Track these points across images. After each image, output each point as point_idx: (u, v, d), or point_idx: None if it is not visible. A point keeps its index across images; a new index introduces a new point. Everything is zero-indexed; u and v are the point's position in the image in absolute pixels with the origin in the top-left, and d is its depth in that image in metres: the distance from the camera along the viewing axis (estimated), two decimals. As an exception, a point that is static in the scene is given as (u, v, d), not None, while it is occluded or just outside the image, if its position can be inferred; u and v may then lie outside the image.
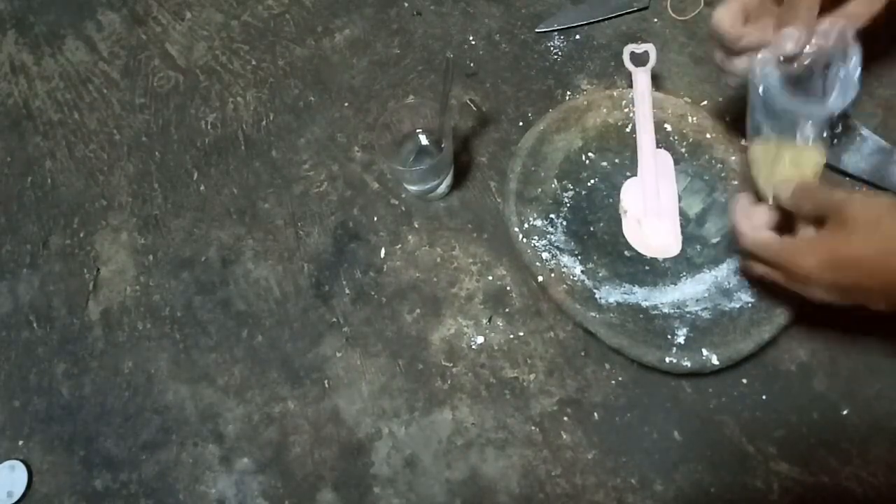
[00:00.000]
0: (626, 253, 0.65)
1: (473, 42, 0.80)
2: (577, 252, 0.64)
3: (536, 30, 0.79)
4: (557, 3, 0.81)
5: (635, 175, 0.67)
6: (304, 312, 0.68)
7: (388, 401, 0.64)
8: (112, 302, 0.72)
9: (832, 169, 0.66)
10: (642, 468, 0.58)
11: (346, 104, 0.79)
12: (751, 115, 0.55)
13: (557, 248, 0.64)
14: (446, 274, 0.68)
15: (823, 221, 0.47)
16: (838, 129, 0.58)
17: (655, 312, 0.61)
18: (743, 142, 0.64)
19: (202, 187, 0.76)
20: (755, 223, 0.52)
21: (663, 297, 0.62)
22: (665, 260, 0.64)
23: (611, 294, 0.62)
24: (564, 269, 0.63)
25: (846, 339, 0.60)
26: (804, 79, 0.53)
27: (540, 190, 0.67)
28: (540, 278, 0.62)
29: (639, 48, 0.69)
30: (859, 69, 0.51)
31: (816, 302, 0.49)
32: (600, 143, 0.69)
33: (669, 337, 0.59)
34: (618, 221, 0.66)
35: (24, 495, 0.65)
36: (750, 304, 0.60)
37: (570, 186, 0.68)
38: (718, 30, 0.54)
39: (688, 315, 0.60)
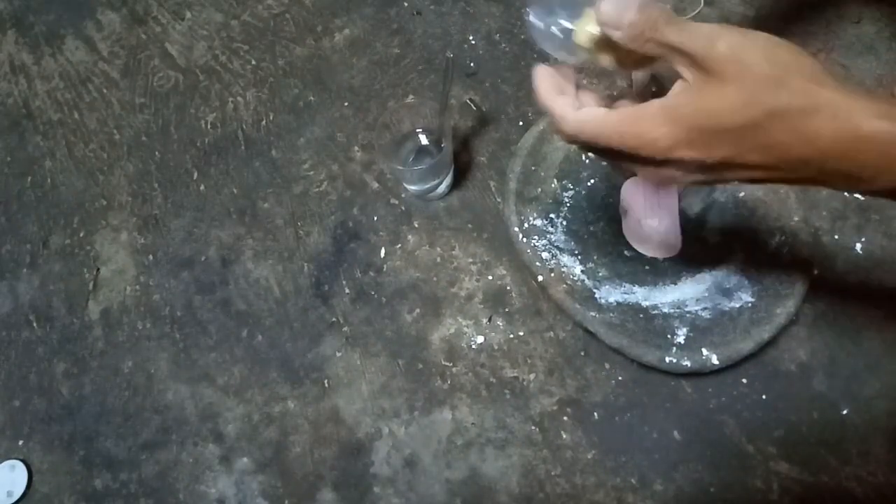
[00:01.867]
0: (626, 252, 0.65)
1: (473, 42, 0.80)
2: (577, 252, 0.64)
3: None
4: (557, 3, 0.81)
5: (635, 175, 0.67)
6: (303, 312, 0.68)
7: (388, 400, 0.64)
8: (112, 301, 0.72)
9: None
10: (642, 468, 0.58)
11: (346, 104, 0.78)
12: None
13: (557, 247, 0.64)
14: (446, 274, 0.68)
15: (677, 73, 0.36)
16: None
17: (655, 312, 0.61)
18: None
19: (202, 187, 0.76)
20: (574, 100, 0.40)
21: (663, 297, 0.62)
22: (665, 260, 0.64)
23: (611, 294, 0.62)
24: (564, 269, 0.63)
25: (846, 339, 0.60)
26: None
27: (540, 189, 0.67)
28: (540, 278, 0.62)
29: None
30: None
31: (661, 186, 0.40)
32: (600, 143, 0.69)
33: (669, 336, 0.59)
34: (618, 221, 0.66)
35: (23, 495, 0.65)
36: (750, 304, 0.60)
37: (570, 186, 0.68)
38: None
39: (688, 315, 0.60)
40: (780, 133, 0.33)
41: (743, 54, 0.33)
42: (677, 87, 0.36)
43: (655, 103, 0.36)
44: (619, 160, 0.39)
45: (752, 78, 0.33)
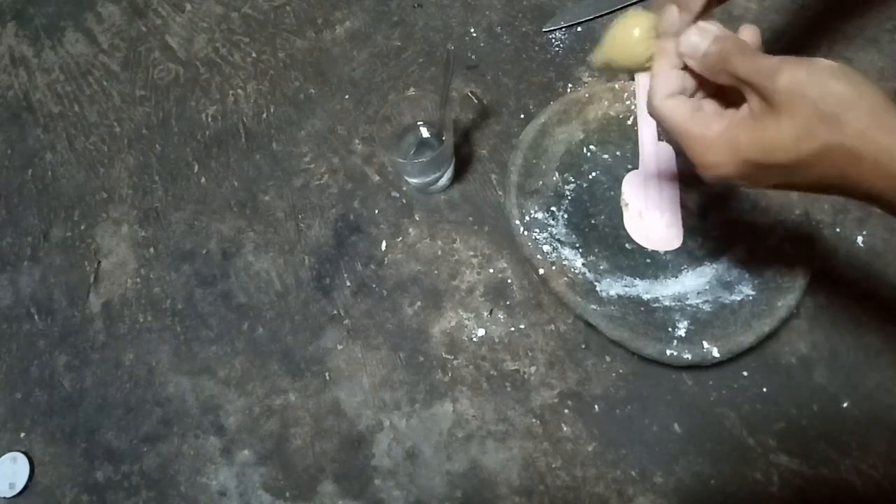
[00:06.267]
0: (627, 245, 0.65)
1: (474, 34, 0.80)
2: (578, 245, 0.64)
3: (543, 29, 0.78)
4: (559, -5, 0.81)
5: (637, 167, 0.67)
6: (304, 305, 0.68)
7: (389, 393, 0.64)
8: (113, 294, 0.72)
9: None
10: (642, 460, 0.58)
11: (347, 96, 0.78)
12: None
13: (558, 240, 0.64)
14: (447, 266, 0.68)
15: (743, 94, 0.38)
16: None
17: (656, 305, 0.61)
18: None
19: (203, 180, 0.76)
20: (665, 86, 0.42)
21: (664, 290, 0.62)
22: (666, 252, 0.64)
23: (612, 287, 0.62)
24: (565, 262, 0.63)
25: (847, 332, 0.60)
26: None
27: (541, 182, 0.67)
28: (541, 271, 0.62)
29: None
30: None
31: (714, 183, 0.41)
32: (602, 136, 0.69)
33: (670, 329, 0.59)
34: (619, 214, 0.66)
35: (25, 487, 0.65)
36: (751, 297, 0.60)
37: (572, 179, 0.68)
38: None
39: (689, 308, 0.60)
40: (828, 169, 0.35)
41: (802, 89, 0.34)
42: (744, 111, 0.38)
43: (720, 129, 0.38)
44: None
45: (807, 114, 0.34)
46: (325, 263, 0.70)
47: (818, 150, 0.34)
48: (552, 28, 0.78)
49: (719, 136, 0.38)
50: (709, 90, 0.43)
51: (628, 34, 0.54)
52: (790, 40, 0.72)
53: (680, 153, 0.42)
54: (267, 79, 0.81)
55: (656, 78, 0.43)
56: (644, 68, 0.49)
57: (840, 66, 0.35)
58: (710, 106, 0.42)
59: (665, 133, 0.44)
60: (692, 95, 0.43)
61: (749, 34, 0.41)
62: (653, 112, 0.43)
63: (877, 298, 0.61)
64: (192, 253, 0.73)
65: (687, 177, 0.66)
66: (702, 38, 0.40)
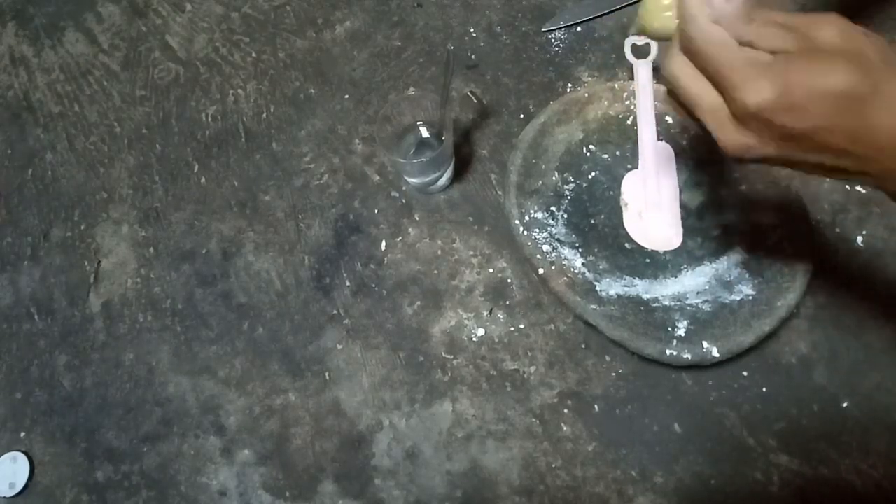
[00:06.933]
0: (626, 245, 0.65)
1: (474, 34, 0.80)
2: (577, 244, 0.64)
3: (543, 29, 0.78)
4: (559, -5, 0.81)
5: (636, 167, 0.67)
6: (304, 305, 0.68)
7: (389, 393, 0.64)
8: (113, 294, 0.72)
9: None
10: (643, 460, 0.58)
11: (347, 96, 0.78)
12: None
13: (558, 240, 0.64)
14: (447, 266, 0.68)
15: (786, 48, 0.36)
16: None
17: (656, 305, 0.61)
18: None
19: (203, 180, 0.76)
20: (716, 6, 0.38)
21: (664, 290, 0.62)
22: (666, 252, 0.64)
23: (611, 286, 0.62)
24: (565, 262, 0.63)
25: (847, 332, 0.60)
26: None
27: (541, 182, 0.67)
28: (541, 271, 0.62)
29: (640, 40, 0.69)
30: None
31: (732, 151, 0.38)
32: (601, 136, 0.69)
33: (670, 329, 0.59)
34: (619, 214, 0.66)
35: (25, 487, 0.65)
36: (751, 297, 0.60)
37: (571, 179, 0.68)
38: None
39: (688, 307, 0.60)
40: (875, 115, 0.34)
41: (849, 36, 0.34)
42: (780, 54, 0.36)
43: (767, 56, 0.36)
44: (704, 112, 0.38)
45: (853, 55, 0.34)
46: (325, 263, 0.70)
47: (859, 89, 0.33)
48: (552, 28, 0.78)
49: (767, 63, 0.35)
50: None
51: (658, 1, 0.59)
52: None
53: (698, 127, 0.38)
54: (267, 79, 0.81)
55: (693, 3, 0.38)
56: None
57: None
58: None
59: (687, 92, 0.39)
60: None
61: None
62: (692, 41, 0.38)
63: (877, 298, 0.61)
64: (192, 253, 0.73)
65: (687, 177, 0.66)
66: None
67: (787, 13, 0.37)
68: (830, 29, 0.35)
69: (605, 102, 0.69)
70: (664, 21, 0.60)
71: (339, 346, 0.66)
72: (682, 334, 0.58)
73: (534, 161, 0.67)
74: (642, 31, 0.62)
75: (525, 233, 0.63)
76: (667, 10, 0.60)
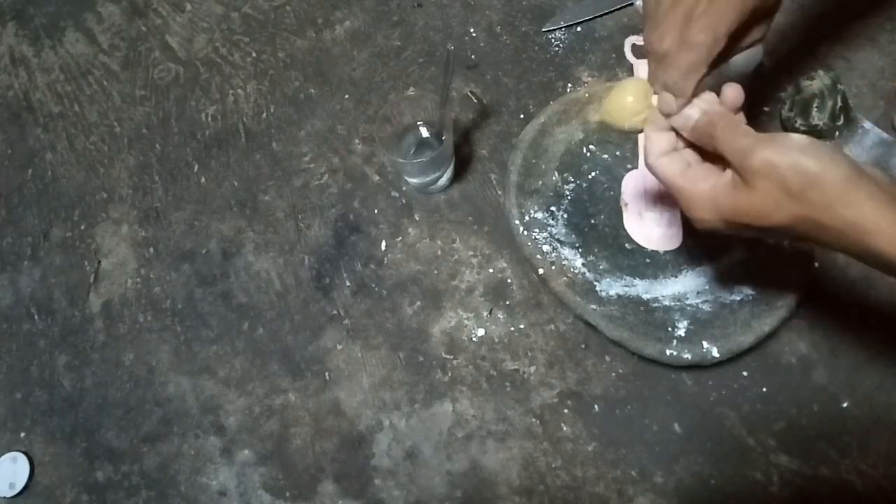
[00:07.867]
0: (626, 245, 0.65)
1: (474, 34, 0.80)
2: (577, 244, 0.64)
3: (543, 29, 0.78)
4: (559, -5, 0.81)
5: (636, 167, 0.67)
6: (304, 305, 0.68)
7: (389, 393, 0.64)
8: (113, 294, 0.72)
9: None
10: (642, 460, 0.58)
11: (347, 96, 0.78)
12: None
13: (558, 240, 0.64)
14: (447, 266, 0.68)
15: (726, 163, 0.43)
16: (840, 122, 0.60)
17: (656, 305, 0.61)
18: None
19: (203, 179, 0.76)
20: (657, 146, 0.46)
21: (664, 290, 0.62)
22: (666, 252, 0.64)
23: (611, 286, 0.62)
24: (565, 262, 0.63)
25: (847, 332, 0.60)
26: None
27: (541, 182, 0.67)
28: (541, 271, 0.62)
29: (640, 40, 0.69)
30: None
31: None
32: (601, 136, 0.69)
33: (670, 329, 0.59)
34: (619, 214, 0.66)
35: (25, 487, 0.65)
36: (750, 297, 0.60)
37: (571, 179, 0.68)
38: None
39: (688, 307, 0.60)
40: (801, 233, 0.40)
41: (772, 169, 0.38)
42: (727, 176, 0.42)
43: (705, 189, 0.43)
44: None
45: (777, 191, 0.38)
46: (325, 263, 0.70)
47: (788, 220, 0.39)
48: (552, 28, 0.78)
49: (704, 195, 0.43)
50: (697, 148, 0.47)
51: (622, 101, 0.66)
52: (790, 40, 0.72)
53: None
54: (267, 79, 0.81)
55: (650, 139, 0.47)
56: (638, 130, 0.57)
57: (811, 141, 0.38)
58: (698, 164, 0.46)
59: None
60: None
61: (731, 94, 0.44)
62: (648, 168, 0.47)
63: (876, 298, 0.61)
64: (192, 253, 0.73)
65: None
66: (691, 111, 0.45)
67: (732, 132, 0.42)
68: (755, 162, 0.39)
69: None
70: (626, 120, 0.66)
71: (339, 347, 0.66)
72: (682, 334, 0.58)
73: (534, 161, 0.67)
74: (605, 122, 0.68)
75: (525, 233, 0.63)
76: (629, 111, 0.66)
